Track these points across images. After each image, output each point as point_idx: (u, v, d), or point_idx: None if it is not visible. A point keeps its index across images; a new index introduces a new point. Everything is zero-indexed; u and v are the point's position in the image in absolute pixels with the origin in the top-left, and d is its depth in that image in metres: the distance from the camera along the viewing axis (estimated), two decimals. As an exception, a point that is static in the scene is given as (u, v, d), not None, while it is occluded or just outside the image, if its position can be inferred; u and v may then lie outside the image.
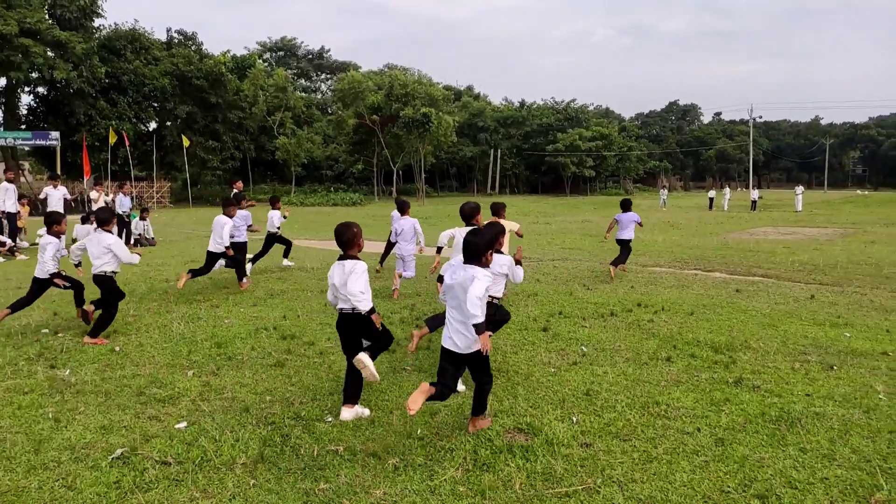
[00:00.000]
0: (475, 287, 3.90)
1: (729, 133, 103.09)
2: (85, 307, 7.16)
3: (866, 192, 65.64)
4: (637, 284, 10.48)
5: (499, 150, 73.32)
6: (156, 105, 47.39)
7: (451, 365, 4.17)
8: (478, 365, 4.23)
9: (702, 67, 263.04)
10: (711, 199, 42.38)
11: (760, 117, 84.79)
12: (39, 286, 7.23)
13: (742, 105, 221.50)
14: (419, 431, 4.31)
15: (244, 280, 10.24)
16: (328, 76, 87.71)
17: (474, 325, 3.86)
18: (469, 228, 4.98)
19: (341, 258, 4.70)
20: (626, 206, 12.04)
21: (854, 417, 4.43)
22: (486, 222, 6.02)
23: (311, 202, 46.78)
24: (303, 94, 75.81)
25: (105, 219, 7.20)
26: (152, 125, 49.41)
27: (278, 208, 12.22)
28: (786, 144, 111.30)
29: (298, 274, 11.67)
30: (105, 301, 7.03)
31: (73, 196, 31.73)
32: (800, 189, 40.41)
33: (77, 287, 7.42)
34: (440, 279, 4.95)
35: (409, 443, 4.15)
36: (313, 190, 57.14)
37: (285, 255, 12.63)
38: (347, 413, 4.60)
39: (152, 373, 5.67)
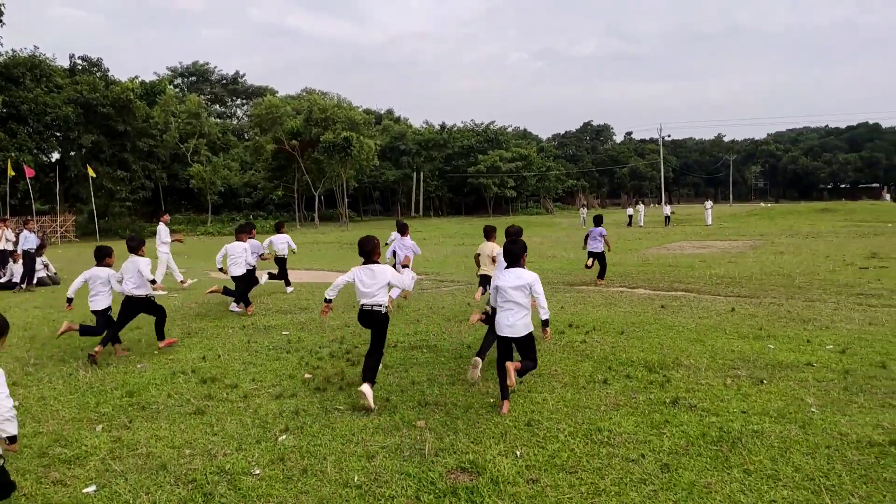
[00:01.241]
0: (538, 289, 5.31)
1: (640, 152, 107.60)
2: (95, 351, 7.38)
3: (769, 205, 69.64)
4: (567, 304, 10.52)
5: (421, 173, 73.69)
6: (59, 134, 44.93)
7: (517, 347, 5.40)
8: (526, 346, 5.39)
9: (612, 89, 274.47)
10: (630, 217, 43.74)
11: (669, 136, 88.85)
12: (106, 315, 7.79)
13: (651, 125, 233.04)
14: (356, 479, 4.03)
15: (250, 306, 10.71)
16: (244, 101, 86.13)
17: (544, 321, 5.49)
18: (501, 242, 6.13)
19: (366, 264, 5.73)
20: (597, 221, 13.63)
21: (791, 434, 4.46)
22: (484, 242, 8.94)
23: (230, 231, 45.31)
24: (218, 119, 74.06)
25: (136, 245, 7.98)
26: (55, 155, 46.79)
27: (284, 232, 13.10)
28: (693, 161, 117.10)
29: (218, 310, 11.09)
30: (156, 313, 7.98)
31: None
32: (709, 204, 42.38)
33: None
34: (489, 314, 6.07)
35: (346, 493, 3.86)
36: (231, 218, 55.58)
37: (284, 279, 13.22)
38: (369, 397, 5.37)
39: (56, 429, 5.12)
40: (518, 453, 4.37)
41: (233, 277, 10.61)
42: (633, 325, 8.59)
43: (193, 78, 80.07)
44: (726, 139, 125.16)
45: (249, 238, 11.20)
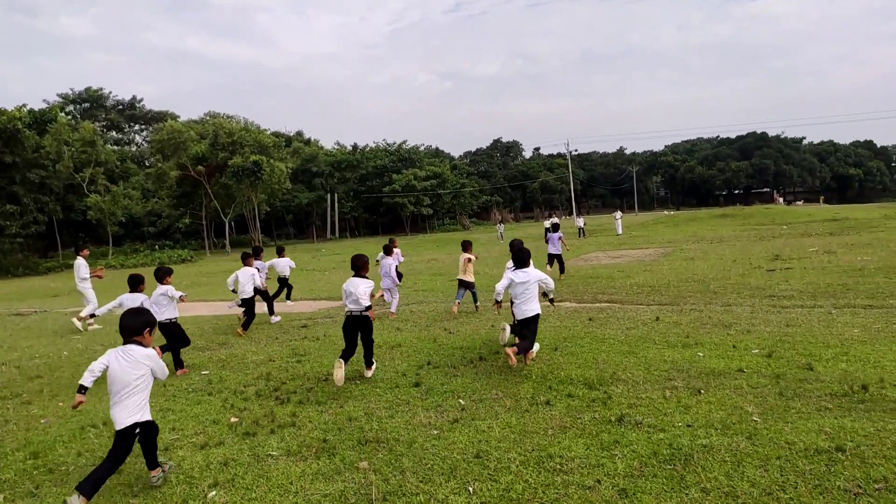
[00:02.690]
0: (547, 278, 7.35)
1: (549, 166, 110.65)
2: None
3: (672, 213, 73.00)
4: (497, 322, 10.42)
5: (335, 194, 72.79)
6: (-63, 168, 41.34)
7: (523, 326, 7.23)
8: (531, 324, 7.22)
9: (518, 107, 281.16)
10: (547, 229, 44.29)
11: (576, 150, 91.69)
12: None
13: (557, 140, 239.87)
14: (300, 536, 3.68)
15: (274, 317, 12.50)
16: (143, 127, 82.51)
17: (551, 299, 8.22)
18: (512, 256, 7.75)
19: (356, 276, 7.22)
20: (556, 228, 17.17)
21: (741, 446, 4.45)
22: (465, 254, 11.89)
23: (133, 263, 43.01)
24: (115, 147, 70.45)
25: (163, 275, 8.70)
26: (-66, 191, 42.97)
27: (285, 257, 14.85)
28: (598, 173, 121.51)
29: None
30: (176, 340, 8.53)
31: None
32: (618, 214, 43.89)
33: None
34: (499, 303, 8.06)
35: (291, 553, 3.51)
36: (135, 249, 52.99)
37: (287, 296, 15.09)
38: (369, 373, 7.32)
39: (-58, 507, 4.48)
40: (471, 489, 4.15)
41: (243, 300, 11.35)
42: (565, 341, 8.57)
43: (87, 104, 75.82)
44: (628, 152, 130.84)
45: (257, 261, 12.54)
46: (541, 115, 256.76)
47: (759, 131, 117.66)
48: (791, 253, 18.48)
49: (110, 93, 78.53)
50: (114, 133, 79.72)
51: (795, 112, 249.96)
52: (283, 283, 14.86)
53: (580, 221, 44.86)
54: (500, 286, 7.58)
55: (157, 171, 54.33)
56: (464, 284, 11.71)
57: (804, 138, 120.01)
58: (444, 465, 4.59)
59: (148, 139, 73.28)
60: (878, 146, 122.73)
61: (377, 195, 74.26)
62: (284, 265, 14.56)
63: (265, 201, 58.46)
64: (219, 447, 5.30)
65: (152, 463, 4.66)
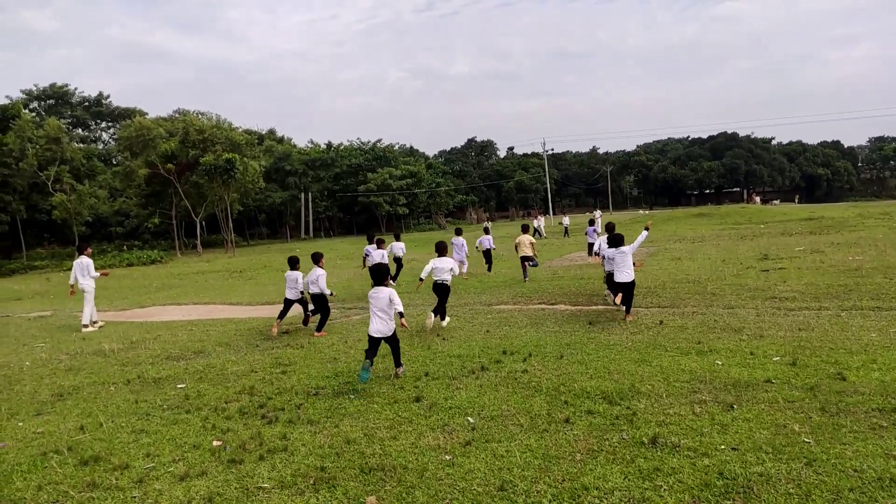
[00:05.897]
0: (630, 249, 10.01)
1: (524, 165, 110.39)
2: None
3: (647, 212, 73.16)
4: (491, 327, 9.87)
5: (309, 193, 71.60)
6: None
7: (621, 290, 9.79)
8: (627, 289, 9.78)
9: (491, 106, 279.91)
10: (535, 229, 43.51)
11: (552, 150, 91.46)
12: (290, 303, 11.05)
13: (530, 139, 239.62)
14: None
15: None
16: (110, 124, 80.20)
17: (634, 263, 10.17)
18: (608, 236, 10.70)
19: (440, 256, 10.24)
20: (591, 223, 22.45)
21: (802, 475, 3.93)
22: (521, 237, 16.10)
23: (101, 264, 41.45)
24: (81, 144, 68.31)
25: (319, 258, 10.93)
26: None
27: (400, 241, 18.87)
28: (573, 173, 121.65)
29: (94, 361, 9.52)
30: (321, 309, 10.69)
31: None
32: (598, 213, 43.61)
33: (304, 304, 11.28)
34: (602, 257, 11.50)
35: None
36: (102, 250, 51.24)
37: (395, 276, 17.64)
38: (444, 322, 10.30)
39: None
40: (501, 532, 3.57)
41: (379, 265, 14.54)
42: (569, 347, 8.05)
43: (51, 101, 73.26)
44: (601, 151, 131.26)
45: (379, 245, 15.92)
46: (514, 115, 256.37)
47: (729, 131, 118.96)
48: (779, 252, 18.23)
49: (76, 89, 76.08)
50: (80, 130, 77.34)
51: (762, 113, 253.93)
52: (398, 262, 18.21)
53: (566, 220, 44.42)
54: (605, 251, 10.80)
55: (124, 169, 52.61)
56: (527, 259, 15.42)
57: (773, 138, 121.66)
58: (465, 499, 4.00)
59: (115, 136, 71.13)
60: (845, 146, 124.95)
61: (352, 194, 73.20)
62: (399, 248, 18.13)
63: (238, 200, 57.16)
64: (201, 478, 4.65)
65: (398, 362, 7.31)
